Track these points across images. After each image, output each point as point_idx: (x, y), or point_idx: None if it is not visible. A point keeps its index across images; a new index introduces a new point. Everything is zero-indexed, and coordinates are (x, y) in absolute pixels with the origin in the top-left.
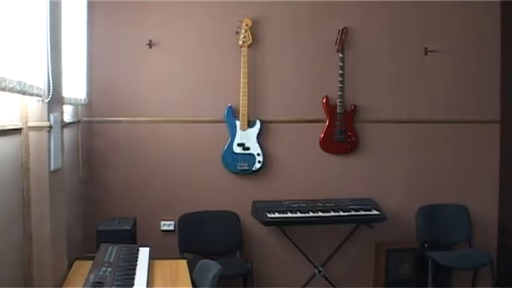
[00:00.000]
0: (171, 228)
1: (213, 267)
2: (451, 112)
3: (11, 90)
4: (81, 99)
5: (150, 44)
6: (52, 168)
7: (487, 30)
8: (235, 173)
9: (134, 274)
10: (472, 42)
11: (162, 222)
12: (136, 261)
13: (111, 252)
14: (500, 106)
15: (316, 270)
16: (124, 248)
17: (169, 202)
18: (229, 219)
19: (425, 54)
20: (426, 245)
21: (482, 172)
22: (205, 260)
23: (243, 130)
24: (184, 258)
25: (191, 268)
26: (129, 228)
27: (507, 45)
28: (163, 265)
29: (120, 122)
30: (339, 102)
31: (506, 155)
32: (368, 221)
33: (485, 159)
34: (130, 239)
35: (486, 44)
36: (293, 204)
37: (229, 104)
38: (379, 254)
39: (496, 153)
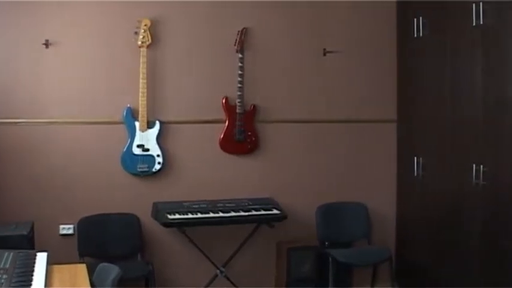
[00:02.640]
0: (71, 232)
1: (112, 271)
2: (350, 112)
3: None
4: None
5: (47, 44)
6: None
7: (384, 31)
8: (135, 174)
9: (31, 280)
10: (369, 43)
11: (61, 226)
12: (34, 266)
13: (6, 258)
14: (397, 106)
15: (218, 271)
16: (20, 254)
17: (68, 205)
18: (130, 221)
19: (324, 54)
20: (326, 243)
21: (380, 170)
22: (105, 264)
23: (143, 131)
24: (83, 263)
25: (91, 272)
26: (25, 233)
27: (403, 45)
28: (62, 270)
29: (16, 124)
30: (238, 102)
31: (402, 154)
32: (268, 220)
33: (383, 158)
34: (27, 244)
35: (383, 44)
36: (193, 205)
37: (128, 105)
38: (280, 253)
39: (393, 152)
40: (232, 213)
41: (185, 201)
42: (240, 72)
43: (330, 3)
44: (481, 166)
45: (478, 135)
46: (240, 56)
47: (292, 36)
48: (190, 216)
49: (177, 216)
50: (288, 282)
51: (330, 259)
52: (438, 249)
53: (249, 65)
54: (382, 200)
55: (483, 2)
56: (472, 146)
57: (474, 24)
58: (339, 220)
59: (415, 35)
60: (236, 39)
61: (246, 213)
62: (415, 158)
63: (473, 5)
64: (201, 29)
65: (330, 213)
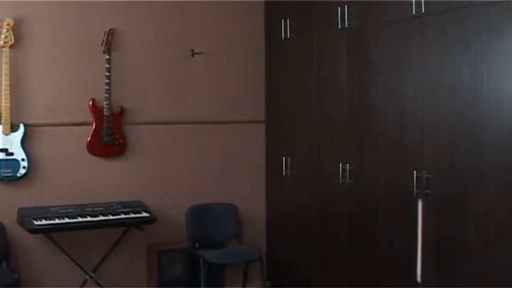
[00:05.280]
0: None
1: None
2: (219, 113)
3: None
4: None
5: None
6: None
7: (252, 32)
8: None
9: None
10: (238, 44)
11: None
12: None
13: None
14: (265, 106)
15: (88, 276)
16: None
17: None
18: None
19: (192, 56)
20: (197, 244)
21: (249, 171)
22: None
23: (6, 135)
24: None
25: None
26: None
27: (271, 47)
28: None
29: None
30: (105, 104)
31: (271, 154)
32: (138, 223)
33: (252, 159)
34: None
35: (252, 45)
36: (61, 209)
37: None
38: (150, 255)
39: (262, 152)
40: (101, 217)
41: (52, 206)
42: (107, 73)
43: (198, 4)
44: (347, 165)
45: (344, 135)
46: (107, 57)
47: (160, 37)
48: (57, 221)
49: (44, 222)
50: (159, 283)
51: (201, 260)
52: (307, 248)
53: (117, 66)
54: (251, 200)
55: (347, 5)
56: (338, 146)
57: (339, 26)
58: (209, 221)
59: (283, 37)
60: (103, 40)
61: (115, 217)
62: (284, 157)
63: (339, 7)
64: (67, 29)
65: (200, 214)
